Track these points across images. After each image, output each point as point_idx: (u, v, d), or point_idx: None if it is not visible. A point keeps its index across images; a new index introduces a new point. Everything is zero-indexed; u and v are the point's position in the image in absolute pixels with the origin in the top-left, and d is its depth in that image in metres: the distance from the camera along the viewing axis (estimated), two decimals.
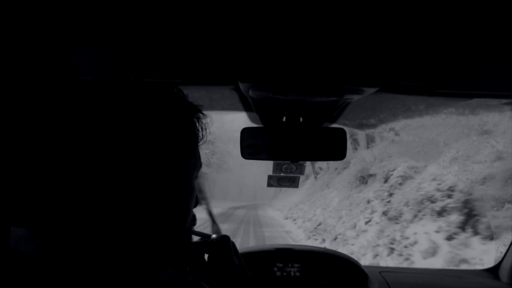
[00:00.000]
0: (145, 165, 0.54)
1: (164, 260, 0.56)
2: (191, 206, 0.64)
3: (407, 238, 6.77)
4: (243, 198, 71.96)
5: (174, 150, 0.58)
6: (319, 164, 21.64)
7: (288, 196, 28.35)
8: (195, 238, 0.78)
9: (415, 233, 6.69)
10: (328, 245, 9.13)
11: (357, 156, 13.55)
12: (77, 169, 0.49)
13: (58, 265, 0.45)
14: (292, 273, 1.59)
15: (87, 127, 0.51)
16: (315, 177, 21.84)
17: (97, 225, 0.50)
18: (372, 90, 0.93)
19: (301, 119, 1.29)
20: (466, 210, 6.00)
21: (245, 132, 1.28)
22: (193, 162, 0.63)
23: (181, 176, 0.60)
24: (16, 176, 0.38)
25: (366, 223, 8.79)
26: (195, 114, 0.63)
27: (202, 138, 0.65)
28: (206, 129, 0.65)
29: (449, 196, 6.51)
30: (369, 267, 1.71)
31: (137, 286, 0.45)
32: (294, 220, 16.81)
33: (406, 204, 7.56)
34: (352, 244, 8.41)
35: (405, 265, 6.03)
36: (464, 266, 5.30)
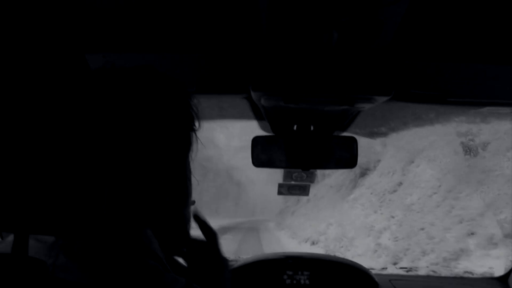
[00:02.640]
0: (146, 153, 0.53)
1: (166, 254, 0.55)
2: (190, 189, 0.63)
3: None
4: (239, 212, 58.10)
5: (170, 134, 0.56)
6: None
7: (321, 210, 15.39)
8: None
9: None
10: None
11: None
12: (84, 168, 0.44)
13: (75, 276, 0.45)
14: (302, 281, 1.59)
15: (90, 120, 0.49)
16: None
17: (109, 233, 0.49)
18: (384, 99, 0.93)
19: (312, 128, 1.30)
20: None
21: (256, 141, 1.30)
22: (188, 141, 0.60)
23: (181, 164, 0.59)
24: (25, 180, 0.38)
25: None
26: (184, 93, 0.59)
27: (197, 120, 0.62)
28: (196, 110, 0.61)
29: None
30: (379, 275, 1.70)
31: None
32: None
33: None
34: None
35: None
36: None
